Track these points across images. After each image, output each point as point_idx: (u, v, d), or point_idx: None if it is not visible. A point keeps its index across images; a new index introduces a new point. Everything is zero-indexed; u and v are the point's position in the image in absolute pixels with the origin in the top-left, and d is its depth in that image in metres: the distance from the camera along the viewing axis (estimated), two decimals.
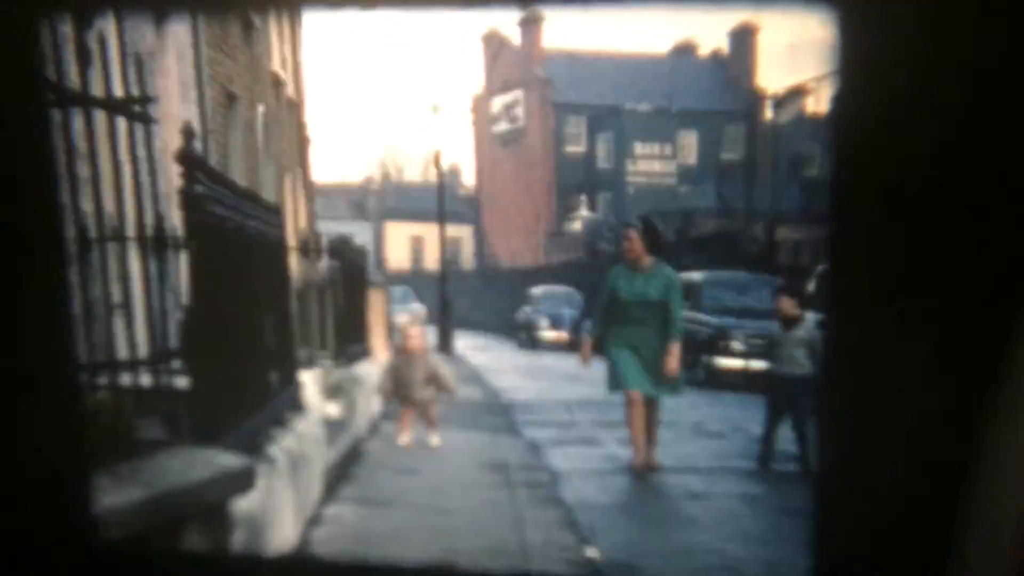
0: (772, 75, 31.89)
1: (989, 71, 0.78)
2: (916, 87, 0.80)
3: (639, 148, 31.87)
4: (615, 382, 5.16)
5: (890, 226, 0.82)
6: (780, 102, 25.80)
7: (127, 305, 2.33)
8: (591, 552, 3.46)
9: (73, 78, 2.19)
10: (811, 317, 5.20)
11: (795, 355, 5.12)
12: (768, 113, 29.62)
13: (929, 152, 0.81)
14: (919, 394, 0.83)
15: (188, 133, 2.36)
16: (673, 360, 5.01)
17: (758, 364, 9.82)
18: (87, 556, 1.11)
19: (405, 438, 5.65)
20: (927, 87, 0.80)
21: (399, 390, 5.77)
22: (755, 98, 31.24)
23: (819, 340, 4.94)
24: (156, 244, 2.50)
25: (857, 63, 0.82)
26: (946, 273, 0.81)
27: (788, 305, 5.25)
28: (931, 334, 0.82)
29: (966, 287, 0.81)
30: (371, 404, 6.06)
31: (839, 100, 0.84)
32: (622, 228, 5.51)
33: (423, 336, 5.96)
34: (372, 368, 6.72)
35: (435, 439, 5.63)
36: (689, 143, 32.73)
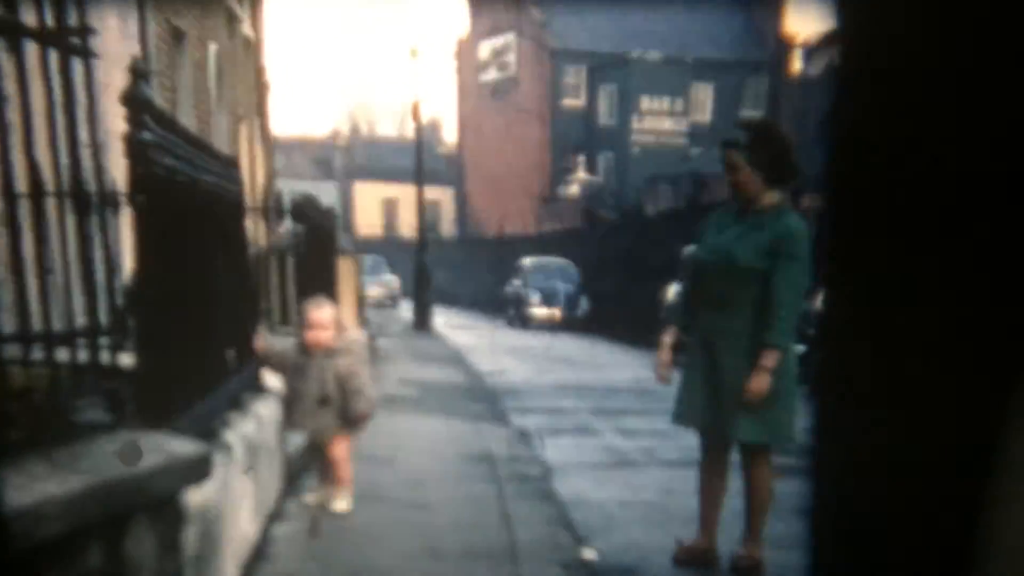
0: (803, 20, 31.62)
1: (996, 43, 0.80)
2: (918, 62, 0.84)
3: (646, 103, 31.76)
4: (678, 410, 3.46)
5: (889, 205, 0.85)
6: (812, 51, 25.74)
7: (66, 270, 2.31)
8: (588, 553, 3.52)
9: None
10: None
11: None
12: (797, 64, 29.60)
13: (931, 131, 0.83)
14: (921, 379, 0.85)
15: (137, 71, 2.33)
16: (761, 381, 3.14)
17: None
18: None
19: (311, 496, 3.97)
20: (929, 62, 0.83)
21: (291, 413, 3.90)
22: (782, 47, 31.18)
23: None
24: (95, 200, 2.48)
25: (858, 38, 0.85)
26: (947, 252, 0.83)
27: None
28: (933, 316, 0.84)
29: (968, 267, 0.83)
30: None
31: (839, 79, 0.88)
32: (722, 150, 3.34)
33: (334, 322, 3.93)
34: None
35: (341, 501, 3.84)
36: (704, 97, 32.68)
